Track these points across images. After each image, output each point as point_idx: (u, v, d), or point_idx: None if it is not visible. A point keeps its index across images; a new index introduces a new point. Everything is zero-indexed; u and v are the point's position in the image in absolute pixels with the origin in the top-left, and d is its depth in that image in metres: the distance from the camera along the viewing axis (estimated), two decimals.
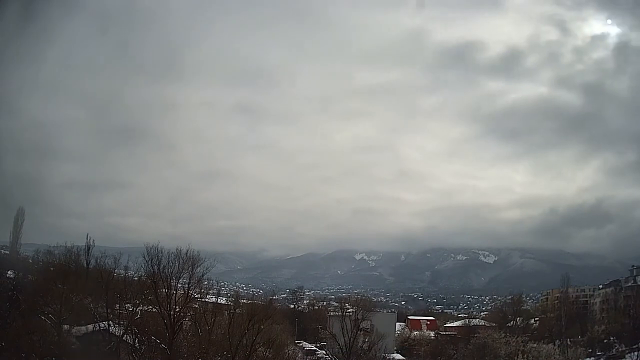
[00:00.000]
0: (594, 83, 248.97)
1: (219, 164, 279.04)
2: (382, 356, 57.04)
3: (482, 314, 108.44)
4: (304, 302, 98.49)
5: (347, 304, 64.49)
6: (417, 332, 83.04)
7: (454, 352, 65.33)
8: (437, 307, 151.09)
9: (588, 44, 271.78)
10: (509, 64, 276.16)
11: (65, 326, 40.63)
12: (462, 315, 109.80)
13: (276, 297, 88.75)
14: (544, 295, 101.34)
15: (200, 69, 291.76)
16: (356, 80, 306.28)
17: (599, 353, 67.70)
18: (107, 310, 41.18)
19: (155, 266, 40.87)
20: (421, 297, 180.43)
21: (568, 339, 68.40)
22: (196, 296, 44.91)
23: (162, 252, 40.97)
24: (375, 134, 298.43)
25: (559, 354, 59.14)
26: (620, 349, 65.97)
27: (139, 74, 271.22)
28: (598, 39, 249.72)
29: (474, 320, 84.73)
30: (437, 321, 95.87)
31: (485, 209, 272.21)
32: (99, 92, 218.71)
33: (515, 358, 56.44)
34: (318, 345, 72.08)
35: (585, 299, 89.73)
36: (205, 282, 44.95)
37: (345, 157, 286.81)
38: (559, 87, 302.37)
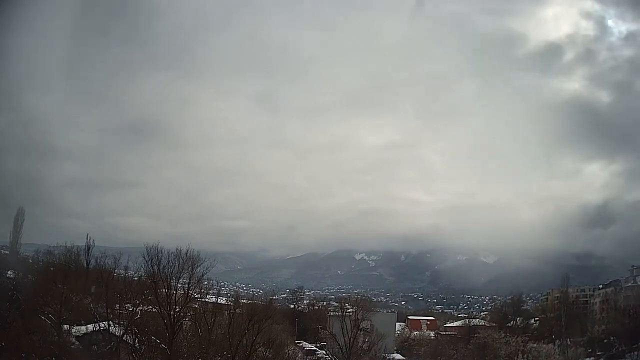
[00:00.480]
0: (624, 81, 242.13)
1: (229, 161, 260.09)
2: (382, 356, 57.06)
3: (482, 314, 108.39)
4: (304, 302, 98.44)
5: (347, 304, 64.49)
6: (417, 332, 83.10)
7: (454, 352, 65.32)
8: (437, 307, 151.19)
9: (622, 40, 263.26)
10: (546, 59, 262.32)
11: (65, 326, 40.66)
12: (462, 315, 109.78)
13: (276, 297, 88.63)
14: (544, 295, 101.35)
15: (218, 59, 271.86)
16: (387, 72, 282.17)
17: (599, 353, 67.70)
18: (107, 310, 41.20)
19: (155, 266, 40.92)
20: (421, 297, 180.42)
21: (568, 339, 68.39)
22: (196, 296, 44.92)
23: (162, 252, 41.05)
24: (400, 131, 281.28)
25: (559, 354, 59.20)
26: (620, 349, 65.96)
27: (150, 65, 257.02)
28: (632, 37, 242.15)
29: (474, 320, 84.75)
30: (437, 321, 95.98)
31: (489, 209, 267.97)
32: (106, 86, 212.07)
33: (515, 358, 56.45)
34: (318, 345, 72.08)
35: (585, 299, 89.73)
36: (205, 282, 45.03)
37: (366, 155, 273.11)
38: (590, 84, 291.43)
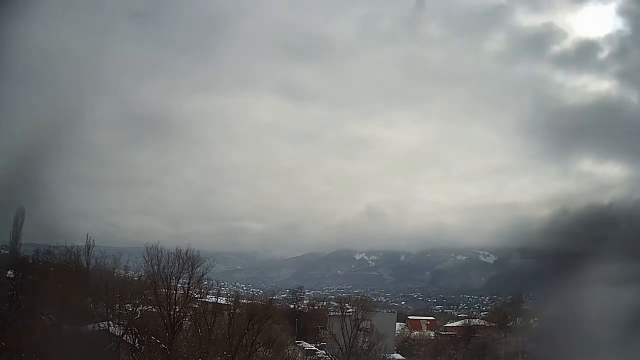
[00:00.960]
0: None
1: (247, 158, 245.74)
2: (382, 356, 57.05)
3: (482, 314, 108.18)
4: (304, 302, 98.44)
5: (347, 304, 64.48)
6: (417, 332, 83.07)
7: (454, 352, 65.33)
8: (437, 307, 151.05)
9: None
10: (580, 56, 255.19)
11: (65, 326, 40.64)
12: (462, 315, 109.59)
13: (276, 297, 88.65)
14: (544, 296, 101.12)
15: (244, 43, 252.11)
16: (423, 62, 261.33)
17: None
18: (107, 310, 41.21)
19: (155, 266, 41.04)
20: (421, 297, 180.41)
21: None
22: (196, 296, 44.98)
23: (162, 252, 41.12)
24: (430, 127, 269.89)
25: None
26: None
27: (166, 50, 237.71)
28: None
29: (474, 320, 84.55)
30: (437, 321, 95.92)
31: (493, 209, 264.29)
32: (114, 75, 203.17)
33: (515, 358, 56.43)
34: (318, 345, 72.09)
35: None
36: (205, 282, 45.11)
37: (391, 154, 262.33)
38: (621, 84, 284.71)
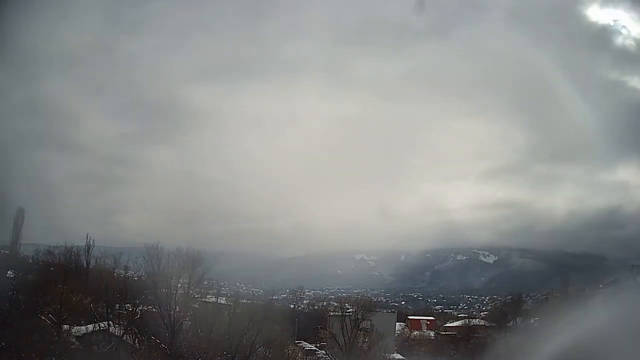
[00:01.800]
0: None
1: (260, 152, 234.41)
2: (382, 356, 57.00)
3: (482, 314, 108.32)
4: (304, 302, 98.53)
5: (347, 304, 64.46)
6: (417, 332, 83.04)
7: (454, 352, 65.33)
8: (437, 307, 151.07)
9: None
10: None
11: (65, 326, 40.66)
12: (462, 315, 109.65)
13: (276, 297, 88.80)
14: (544, 295, 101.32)
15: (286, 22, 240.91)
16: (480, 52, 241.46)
17: None
18: (107, 310, 41.23)
19: (155, 266, 41.02)
20: (421, 297, 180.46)
21: None
22: (196, 296, 44.98)
23: (162, 252, 41.12)
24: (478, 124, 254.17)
25: None
26: None
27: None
28: None
29: (474, 320, 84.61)
30: (437, 321, 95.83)
31: (498, 209, 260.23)
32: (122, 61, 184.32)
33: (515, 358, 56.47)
34: (318, 345, 72.06)
35: (586, 299, 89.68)
36: (205, 282, 45.09)
37: (421, 155, 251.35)
38: None
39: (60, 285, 41.90)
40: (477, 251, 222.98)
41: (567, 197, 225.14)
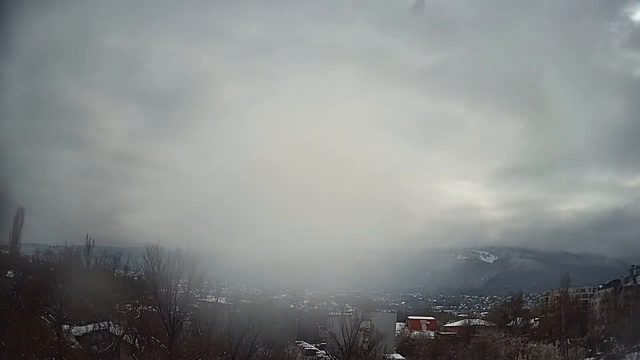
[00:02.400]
0: None
1: (274, 151, 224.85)
2: (382, 356, 57.00)
3: (482, 314, 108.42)
4: (304, 302, 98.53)
5: (347, 304, 64.51)
6: (417, 332, 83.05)
7: (454, 352, 65.31)
8: (437, 307, 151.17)
9: None
10: None
11: (65, 326, 40.66)
12: (462, 315, 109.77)
13: (276, 297, 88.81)
14: (544, 295, 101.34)
15: None
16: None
17: (599, 353, 67.71)
18: (107, 310, 41.21)
19: (155, 266, 40.99)
20: (421, 297, 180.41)
21: (568, 339, 68.33)
22: (196, 296, 44.97)
23: (162, 252, 41.10)
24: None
25: (559, 354, 59.10)
26: (620, 349, 65.94)
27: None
28: None
29: (474, 320, 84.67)
30: (437, 321, 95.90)
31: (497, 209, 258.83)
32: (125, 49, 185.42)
33: (515, 358, 56.45)
34: (318, 345, 72.10)
35: (585, 299, 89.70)
36: (205, 282, 45.08)
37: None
38: None
39: (60, 285, 41.89)
40: (477, 251, 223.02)
41: (576, 199, 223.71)
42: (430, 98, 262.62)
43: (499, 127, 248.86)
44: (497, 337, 61.40)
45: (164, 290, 41.32)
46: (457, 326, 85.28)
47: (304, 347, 67.35)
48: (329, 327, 62.73)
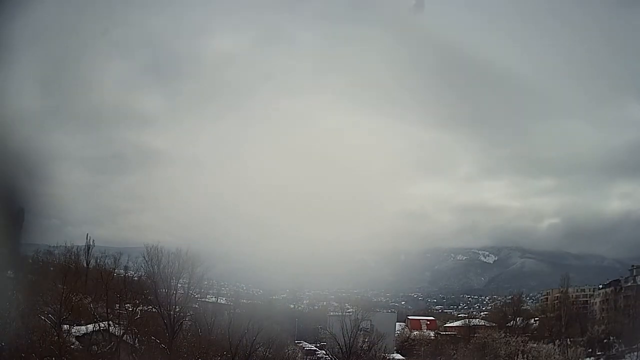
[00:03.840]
0: None
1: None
2: (382, 356, 57.03)
3: (482, 314, 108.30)
4: (304, 302, 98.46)
5: (347, 304, 64.50)
6: (417, 332, 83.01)
7: (454, 352, 65.31)
8: (437, 307, 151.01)
9: None
10: None
11: (65, 326, 40.68)
12: (462, 315, 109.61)
13: (276, 297, 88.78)
14: (544, 295, 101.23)
15: None
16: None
17: (599, 353, 67.77)
18: (107, 310, 41.24)
19: (155, 266, 41.02)
20: (421, 297, 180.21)
21: (568, 339, 68.40)
22: (196, 296, 44.99)
23: (162, 252, 41.14)
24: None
25: (559, 354, 59.18)
26: (620, 349, 66.00)
27: None
28: None
29: (474, 320, 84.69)
30: (437, 321, 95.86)
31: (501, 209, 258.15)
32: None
33: (515, 358, 56.50)
34: (318, 345, 72.08)
35: (585, 299, 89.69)
36: (205, 282, 45.13)
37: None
38: None
39: (60, 285, 41.91)
40: (477, 251, 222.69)
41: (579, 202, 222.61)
42: None
43: None
44: (497, 337, 61.45)
45: (164, 290, 41.38)
46: (457, 326, 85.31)
47: (303, 347, 67.36)
48: (329, 327, 62.69)
